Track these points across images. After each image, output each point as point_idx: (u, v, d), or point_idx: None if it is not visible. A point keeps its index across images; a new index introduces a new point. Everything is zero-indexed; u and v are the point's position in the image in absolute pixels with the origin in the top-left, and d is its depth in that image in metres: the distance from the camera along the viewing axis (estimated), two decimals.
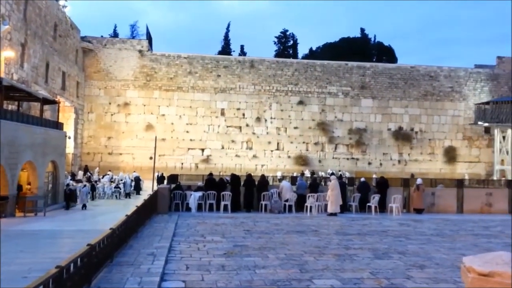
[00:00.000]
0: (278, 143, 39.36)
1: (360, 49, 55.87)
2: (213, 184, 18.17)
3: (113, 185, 25.96)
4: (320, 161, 39.64)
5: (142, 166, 35.80)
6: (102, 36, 40.86)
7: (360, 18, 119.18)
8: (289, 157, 39.25)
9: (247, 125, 39.08)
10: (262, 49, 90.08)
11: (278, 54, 57.78)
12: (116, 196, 24.79)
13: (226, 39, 61.86)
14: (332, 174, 28.13)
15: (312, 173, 35.07)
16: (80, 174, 30.73)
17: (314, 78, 40.16)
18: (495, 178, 35.85)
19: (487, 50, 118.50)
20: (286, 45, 62.10)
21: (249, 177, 18.63)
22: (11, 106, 22.79)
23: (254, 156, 38.84)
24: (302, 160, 39.13)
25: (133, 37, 52.98)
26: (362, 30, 63.91)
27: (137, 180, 27.58)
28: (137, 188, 27.14)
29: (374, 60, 53.66)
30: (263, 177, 19.07)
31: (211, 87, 38.88)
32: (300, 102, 39.76)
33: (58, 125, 22.49)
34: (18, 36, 24.12)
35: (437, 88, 41.54)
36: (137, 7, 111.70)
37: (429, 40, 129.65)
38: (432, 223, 15.41)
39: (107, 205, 21.53)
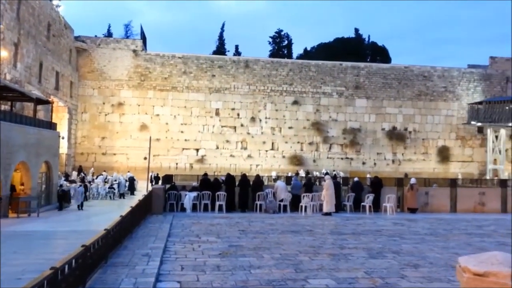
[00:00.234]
0: (272, 143, 39.39)
1: (354, 49, 56.04)
2: (208, 184, 18.15)
3: (107, 185, 25.84)
4: (314, 161, 39.72)
5: (136, 167, 35.67)
6: (96, 36, 40.66)
7: (354, 19, 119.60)
8: (283, 157, 39.30)
9: (241, 125, 39.07)
10: (256, 49, 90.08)
11: (272, 54, 57.82)
12: (110, 196, 24.68)
13: (221, 39, 61.78)
14: (327, 174, 28.20)
15: (307, 173, 35.15)
16: (74, 175, 30.56)
17: (309, 78, 40.23)
18: (488, 177, 36.14)
19: (480, 50, 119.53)
20: (280, 45, 62.16)
21: (244, 177, 18.63)
22: (4, 106, 22.64)
23: (249, 156, 38.84)
24: (296, 160, 39.19)
25: (127, 37, 52.76)
26: (356, 30, 64.14)
27: (131, 181, 27.48)
28: (131, 189, 27.04)
29: (368, 60, 53.85)
30: (258, 177, 19.08)
31: (206, 87, 38.83)
32: (295, 102, 39.82)
33: (51, 125, 22.36)
34: (11, 35, 23.94)
35: (431, 88, 41.79)
36: (131, 7, 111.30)
37: (423, 40, 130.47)
38: (426, 223, 15.50)
39: (101, 206, 21.43)
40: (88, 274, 6.66)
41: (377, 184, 19.35)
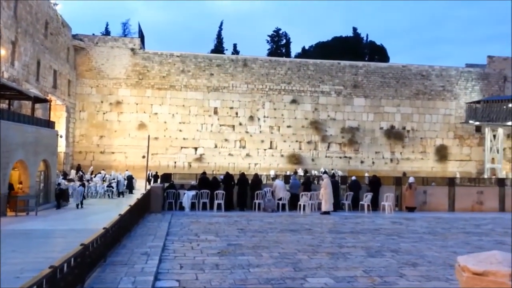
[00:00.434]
0: (271, 142, 39.40)
1: (352, 48, 56.05)
2: (206, 183, 18.15)
3: (106, 184, 25.80)
4: (313, 160, 39.75)
5: (134, 165, 35.65)
6: (93, 34, 40.52)
7: (352, 18, 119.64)
8: (282, 155, 39.31)
9: (240, 124, 39.07)
10: (255, 48, 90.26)
11: (271, 53, 57.76)
12: (108, 195, 24.65)
13: (219, 37, 61.69)
14: (325, 172, 28.22)
15: (305, 171, 35.18)
16: (72, 173, 30.54)
17: (307, 77, 40.24)
18: (486, 176, 36.23)
19: (478, 49, 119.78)
20: (279, 44, 62.09)
21: (243, 176, 18.64)
22: (2, 105, 22.56)
23: (247, 155, 38.84)
24: (295, 159, 39.22)
25: (125, 35, 52.62)
26: (355, 29, 64.10)
27: (130, 179, 27.44)
28: (130, 187, 27.01)
29: (366, 59, 53.87)
30: (256, 176, 19.08)
31: (204, 85, 38.80)
32: (293, 101, 39.83)
33: (49, 124, 22.30)
34: (8, 34, 23.86)
35: (429, 87, 41.84)
36: (129, 6, 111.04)
37: (421, 39, 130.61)
38: (424, 221, 15.53)
39: (100, 204, 21.39)
40: (87, 273, 6.66)
41: (375, 183, 19.38)
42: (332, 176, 22.04)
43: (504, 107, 36.95)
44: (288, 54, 58.54)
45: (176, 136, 38.11)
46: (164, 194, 17.30)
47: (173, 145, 38.01)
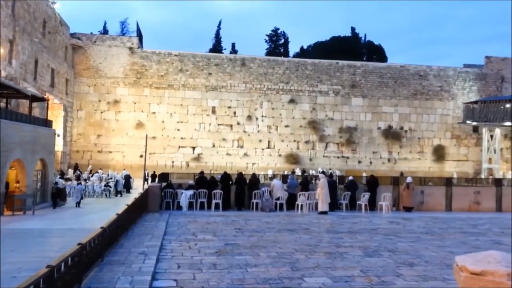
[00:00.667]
0: (269, 142, 39.40)
1: (350, 48, 56.09)
2: (204, 182, 18.14)
3: (103, 183, 25.76)
4: (311, 160, 39.78)
5: (132, 164, 35.58)
6: (91, 33, 40.38)
7: (350, 17, 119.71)
8: (280, 155, 39.32)
9: (238, 123, 39.05)
10: (253, 47, 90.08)
11: (269, 53, 57.75)
12: (106, 194, 24.61)
13: (217, 37, 61.63)
14: (323, 172, 28.23)
15: (303, 171, 35.18)
16: (70, 173, 30.47)
17: (305, 77, 40.25)
18: (483, 176, 36.34)
19: (477, 49, 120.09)
20: (277, 44, 62.09)
21: (240, 175, 18.64)
22: None
23: (245, 155, 38.83)
24: (293, 159, 39.23)
25: (123, 34, 52.50)
26: (353, 29, 64.15)
27: (127, 178, 27.39)
28: (127, 187, 26.96)
29: (364, 59, 53.92)
30: (254, 176, 19.09)
31: (202, 85, 38.76)
32: (291, 101, 39.83)
33: (47, 123, 22.24)
34: (6, 32, 23.78)
35: (427, 87, 41.92)
36: (127, 5, 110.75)
37: (419, 39, 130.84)
38: (422, 221, 15.57)
39: (97, 204, 21.37)
40: (84, 273, 6.65)
41: (373, 183, 19.41)
42: (330, 176, 22.06)
43: (502, 107, 37.06)
44: (286, 54, 58.55)
45: (174, 136, 38.07)
46: (162, 193, 17.28)
47: (171, 145, 37.96)
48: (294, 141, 39.73)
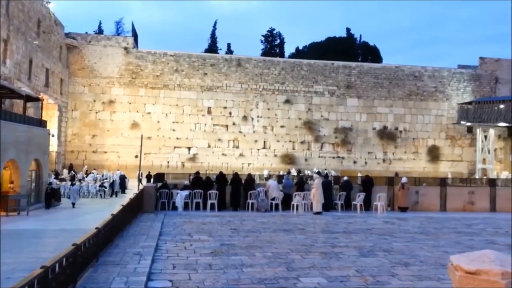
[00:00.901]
0: (264, 142, 39.41)
1: (346, 48, 56.22)
2: (199, 182, 18.11)
3: (98, 184, 25.64)
4: (306, 160, 39.83)
5: (127, 165, 35.48)
6: (86, 33, 40.22)
7: (346, 18, 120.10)
8: (275, 155, 39.34)
9: (233, 124, 39.03)
10: (249, 48, 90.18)
11: (265, 53, 57.76)
12: (100, 195, 24.50)
13: (213, 37, 61.57)
14: (318, 173, 28.28)
15: (299, 171, 35.24)
16: (65, 173, 30.32)
17: (301, 77, 40.31)
18: (477, 176, 36.52)
19: (469, 50, 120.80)
20: (273, 44, 62.12)
21: (236, 175, 18.63)
22: None
23: (241, 155, 38.82)
24: (288, 159, 39.27)
25: (118, 34, 52.32)
26: (348, 30, 64.29)
27: (122, 179, 27.29)
28: (122, 187, 26.86)
29: (359, 59, 54.06)
30: (249, 176, 19.09)
31: (198, 85, 38.71)
32: (287, 101, 39.88)
33: (41, 123, 22.11)
34: (0, 31, 23.61)
35: (421, 88, 42.12)
36: (123, 4, 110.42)
37: (414, 40, 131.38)
38: (416, 221, 15.64)
39: (92, 204, 21.27)
40: (79, 273, 6.62)
41: (368, 183, 19.47)
42: (325, 176, 22.09)
43: (495, 108, 37.29)
44: (282, 54, 58.59)
45: (169, 136, 37.98)
46: (157, 194, 17.23)
47: (166, 145, 37.87)
48: (290, 141, 39.77)
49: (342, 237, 11.75)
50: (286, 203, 17.92)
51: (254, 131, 39.22)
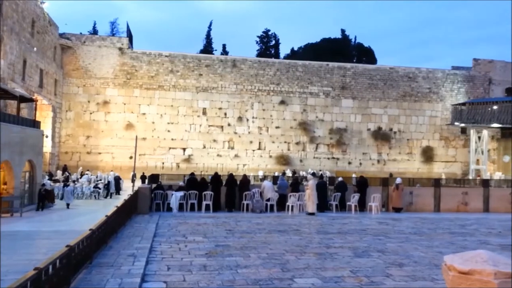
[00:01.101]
0: (259, 143, 39.42)
1: (341, 49, 56.38)
2: (194, 183, 18.08)
3: (92, 185, 25.52)
4: (301, 161, 39.88)
5: (122, 166, 35.35)
6: (81, 33, 40.05)
7: (341, 19, 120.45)
8: (270, 156, 39.36)
9: (228, 125, 39.01)
10: (244, 49, 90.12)
11: (260, 54, 57.81)
12: (95, 196, 24.39)
13: (208, 37, 61.52)
14: (313, 173, 28.33)
15: (294, 172, 35.27)
16: (59, 174, 30.14)
17: (296, 78, 40.38)
18: (470, 177, 36.73)
19: (463, 51, 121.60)
20: (268, 45, 62.19)
21: (231, 176, 18.60)
22: None
23: (236, 156, 38.80)
24: (283, 160, 39.30)
25: (113, 35, 52.16)
26: (343, 31, 64.50)
27: (117, 180, 27.19)
28: (117, 188, 26.76)
29: (354, 60, 54.26)
30: (244, 177, 19.08)
31: (193, 86, 38.65)
32: (282, 102, 39.92)
33: (35, 124, 21.98)
34: None
35: (416, 89, 42.33)
36: (117, 5, 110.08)
37: (408, 41, 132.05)
38: (411, 222, 15.70)
39: (86, 206, 21.17)
40: (73, 275, 6.58)
41: (362, 184, 19.52)
42: (320, 177, 22.14)
43: (489, 109, 37.54)
44: (277, 55, 58.68)
45: (164, 137, 37.89)
46: (152, 195, 17.18)
47: (161, 146, 37.78)
48: (285, 142, 39.81)
49: (336, 238, 11.77)
50: (281, 204, 17.94)
51: (249, 132, 39.22)
